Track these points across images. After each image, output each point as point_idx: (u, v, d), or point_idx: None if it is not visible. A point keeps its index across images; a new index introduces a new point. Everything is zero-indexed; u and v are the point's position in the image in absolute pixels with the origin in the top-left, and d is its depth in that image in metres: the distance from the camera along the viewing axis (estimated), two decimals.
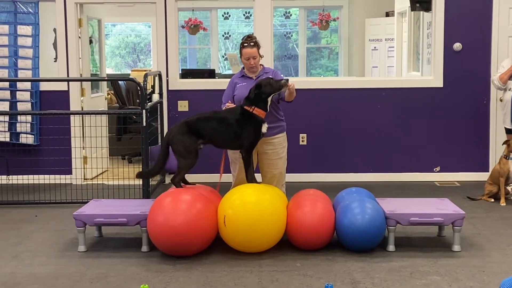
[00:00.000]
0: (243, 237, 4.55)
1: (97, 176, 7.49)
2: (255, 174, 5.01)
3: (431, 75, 7.28)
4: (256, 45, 5.09)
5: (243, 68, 5.24)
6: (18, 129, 7.20)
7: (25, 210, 6.09)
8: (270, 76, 5.06)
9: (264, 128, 4.92)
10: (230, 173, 5.33)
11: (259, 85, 4.88)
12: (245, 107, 4.88)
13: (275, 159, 5.19)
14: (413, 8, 7.75)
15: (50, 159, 6.97)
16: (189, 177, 5.05)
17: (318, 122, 7.20)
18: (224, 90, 5.28)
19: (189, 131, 4.85)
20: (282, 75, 5.26)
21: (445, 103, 7.16)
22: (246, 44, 5.06)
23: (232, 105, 5.03)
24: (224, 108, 5.08)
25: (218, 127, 4.89)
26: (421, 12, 7.94)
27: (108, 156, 7.87)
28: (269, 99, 4.91)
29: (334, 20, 11.46)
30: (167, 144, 4.91)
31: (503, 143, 6.23)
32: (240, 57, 5.14)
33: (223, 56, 13.46)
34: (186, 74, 9.13)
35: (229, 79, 5.38)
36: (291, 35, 13.80)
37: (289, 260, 4.55)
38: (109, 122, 7.89)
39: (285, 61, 13.69)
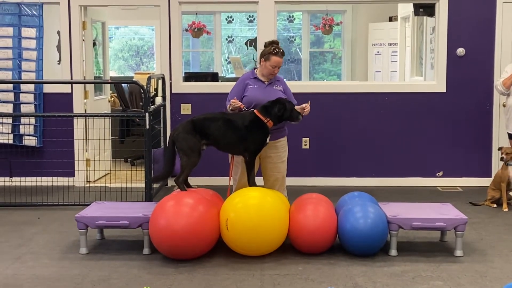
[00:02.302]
0: (245, 240, 4.55)
1: (99, 178, 7.49)
2: (256, 178, 5.01)
3: (434, 80, 7.28)
4: (284, 55, 5.13)
5: (255, 69, 5.23)
6: (21, 131, 7.20)
7: (27, 212, 6.10)
8: (291, 101, 5.11)
9: (268, 139, 4.97)
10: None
11: (285, 106, 4.90)
12: (258, 115, 4.88)
13: (278, 163, 5.20)
14: (416, 13, 7.75)
15: (53, 161, 6.98)
16: (192, 180, 5.05)
17: (321, 126, 7.20)
18: (227, 93, 5.26)
19: (194, 130, 4.85)
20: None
21: (448, 108, 7.16)
22: (277, 52, 5.03)
23: (238, 102, 5.01)
24: (230, 105, 5.03)
25: (224, 129, 4.88)
26: (425, 17, 7.94)
27: (111, 159, 7.87)
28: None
29: (338, 24, 11.49)
30: (172, 142, 4.91)
31: (499, 149, 6.22)
32: (264, 61, 5.05)
33: (226, 60, 13.48)
34: (189, 77, 9.14)
35: (231, 83, 5.37)
36: (294, 39, 13.81)
37: (291, 264, 4.55)
38: (112, 124, 7.89)
39: (288, 65, 13.70)
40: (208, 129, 4.88)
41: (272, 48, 5.05)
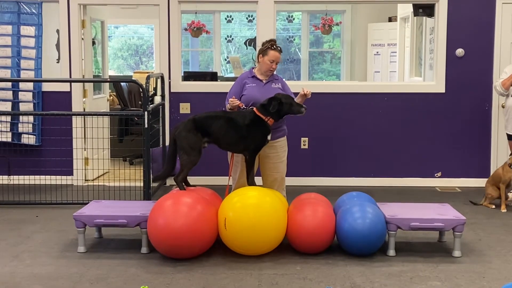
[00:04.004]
0: (243, 240, 4.55)
1: (98, 177, 7.49)
2: (255, 178, 5.01)
3: (433, 81, 7.28)
4: (281, 51, 5.14)
5: (253, 68, 5.24)
6: (20, 130, 7.20)
7: (26, 211, 6.09)
8: (290, 95, 5.09)
9: (269, 137, 4.96)
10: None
11: (281, 101, 4.87)
12: (259, 114, 4.87)
13: (277, 163, 5.19)
14: (416, 13, 7.75)
15: (52, 159, 6.98)
16: (191, 179, 5.05)
17: (320, 126, 7.20)
18: (226, 92, 5.26)
19: (196, 128, 4.84)
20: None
21: (447, 108, 7.16)
22: (275, 47, 5.06)
23: (236, 101, 5.02)
24: (229, 104, 5.04)
25: (226, 127, 4.88)
26: (424, 17, 7.94)
27: (109, 158, 7.87)
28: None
29: (337, 24, 11.49)
30: (174, 139, 4.90)
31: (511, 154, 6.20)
32: (262, 56, 5.07)
33: (225, 59, 13.47)
34: (188, 76, 9.14)
35: (231, 82, 5.37)
36: (294, 39, 13.81)
37: (289, 263, 4.55)
38: (111, 123, 7.89)
39: (288, 65, 13.70)
40: (210, 127, 4.87)
41: (270, 44, 5.08)
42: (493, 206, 6.24)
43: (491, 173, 6.95)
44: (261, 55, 5.11)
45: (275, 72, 5.26)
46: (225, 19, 12.97)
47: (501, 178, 6.11)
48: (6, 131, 7.21)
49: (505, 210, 6.10)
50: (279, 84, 5.20)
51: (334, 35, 12.83)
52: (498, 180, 6.17)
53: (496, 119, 7.12)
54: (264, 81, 5.16)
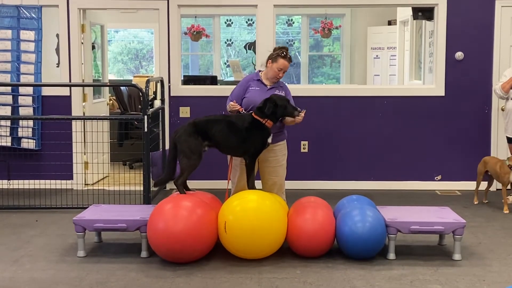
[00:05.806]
0: (243, 243, 4.55)
1: (98, 181, 7.49)
2: (255, 181, 5.01)
3: (432, 84, 7.28)
4: (291, 61, 5.13)
5: (259, 71, 5.23)
6: (20, 134, 7.20)
7: (25, 215, 6.09)
8: (286, 97, 5.07)
9: (270, 139, 4.96)
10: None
11: (276, 103, 4.87)
12: (256, 117, 4.87)
13: (276, 166, 5.19)
14: (415, 17, 7.76)
15: (51, 164, 6.98)
16: (190, 183, 5.05)
17: (320, 129, 7.20)
18: (225, 96, 5.26)
19: (196, 132, 4.84)
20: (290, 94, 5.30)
21: (446, 111, 7.16)
22: (285, 55, 5.05)
23: (236, 105, 5.02)
24: (229, 107, 5.05)
25: (226, 131, 4.88)
26: (423, 21, 7.95)
27: (109, 162, 7.87)
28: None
29: (337, 28, 11.49)
30: (174, 143, 4.90)
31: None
32: (271, 62, 5.06)
33: (225, 63, 13.48)
34: (188, 80, 9.14)
35: (230, 86, 5.36)
36: (294, 43, 13.82)
37: (289, 267, 4.55)
38: (110, 127, 7.89)
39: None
40: (210, 131, 4.87)
41: (281, 51, 5.07)
42: (476, 202, 6.46)
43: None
44: (270, 60, 5.09)
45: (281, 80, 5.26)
46: (225, 23, 12.98)
47: (498, 177, 6.11)
48: (6, 136, 7.20)
49: (507, 211, 6.10)
50: (283, 91, 5.18)
51: (333, 38, 12.84)
52: (492, 172, 6.25)
53: (496, 122, 7.12)
54: (268, 87, 5.15)
